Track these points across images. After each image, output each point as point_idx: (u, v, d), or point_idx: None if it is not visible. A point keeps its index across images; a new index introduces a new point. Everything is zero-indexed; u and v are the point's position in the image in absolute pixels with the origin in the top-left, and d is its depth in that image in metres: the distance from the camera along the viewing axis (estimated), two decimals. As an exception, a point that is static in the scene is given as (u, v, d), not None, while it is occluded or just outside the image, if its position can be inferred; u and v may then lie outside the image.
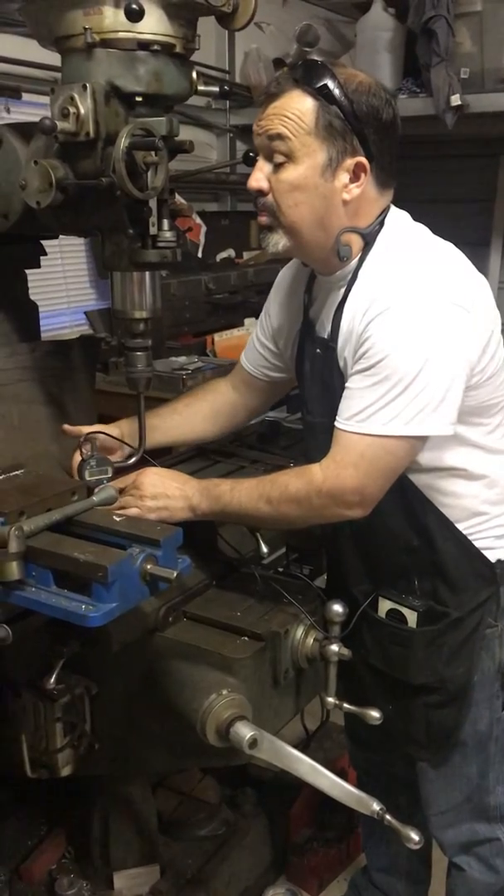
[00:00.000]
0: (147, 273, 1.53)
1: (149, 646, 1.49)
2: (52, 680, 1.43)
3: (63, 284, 3.22)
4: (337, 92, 1.37)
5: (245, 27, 1.45)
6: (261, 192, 1.46)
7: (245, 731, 1.34)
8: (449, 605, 1.53)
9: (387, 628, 1.56)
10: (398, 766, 1.78)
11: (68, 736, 1.56)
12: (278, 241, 1.48)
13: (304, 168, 1.40)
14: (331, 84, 1.37)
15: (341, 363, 1.48)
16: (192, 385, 2.74)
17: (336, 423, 1.41)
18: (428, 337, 1.34)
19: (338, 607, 1.47)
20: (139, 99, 1.40)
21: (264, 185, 1.45)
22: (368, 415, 1.36)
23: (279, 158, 1.42)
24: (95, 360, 1.95)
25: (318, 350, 1.56)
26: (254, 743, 1.34)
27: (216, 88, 1.53)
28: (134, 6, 1.29)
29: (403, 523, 1.51)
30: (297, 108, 1.39)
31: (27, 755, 1.57)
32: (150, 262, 1.48)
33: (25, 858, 1.92)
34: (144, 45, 1.37)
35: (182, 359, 2.95)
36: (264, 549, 1.72)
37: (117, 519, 1.30)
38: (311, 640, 1.50)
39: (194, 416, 1.82)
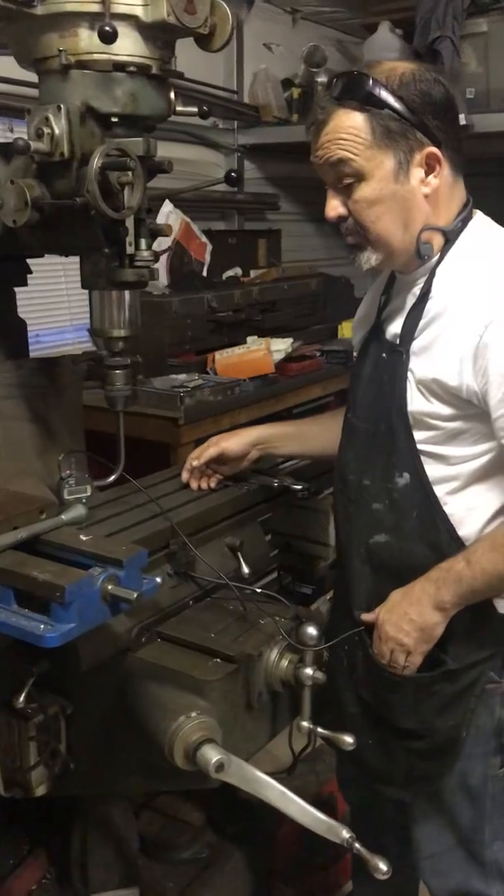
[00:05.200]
0: (126, 292, 1.53)
1: (121, 666, 1.47)
2: (22, 699, 1.42)
3: (66, 301, 3.25)
4: (383, 94, 1.34)
5: (222, 49, 1.45)
6: (341, 219, 1.44)
7: (212, 755, 1.32)
8: (448, 654, 1.45)
9: (376, 666, 1.49)
10: (387, 806, 1.72)
11: (42, 755, 1.55)
12: (370, 258, 1.45)
13: (377, 181, 1.38)
14: (374, 90, 1.34)
15: (412, 374, 1.42)
16: (189, 403, 2.74)
17: None
18: None
19: (312, 630, 1.45)
20: (115, 120, 1.41)
21: (342, 210, 1.43)
22: None
23: (348, 181, 1.40)
24: (83, 377, 1.95)
25: (383, 354, 1.51)
26: (220, 767, 1.32)
27: (195, 109, 1.52)
28: (107, 28, 1.30)
29: (426, 552, 1.44)
30: (349, 126, 1.36)
31: (0, 773, 1.55)
32: (127, 282, 1.48)
33: (6, 878, 1.90)
34: (120, 67, 1.37)
35: (182, 376, 2.96)
36: (245, 569, 1.71)
37: (84, 538, 1.29)
38: (285, 663, 1.48)
39: (336, 428, 1.66)
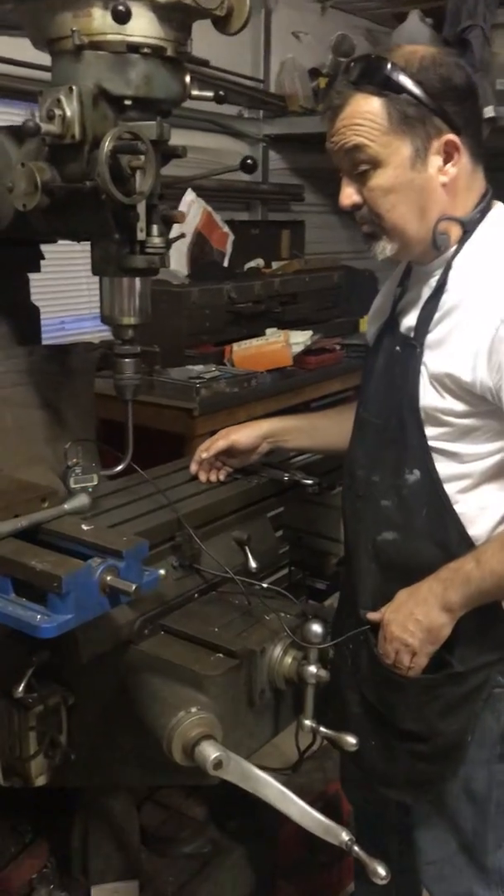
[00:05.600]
0: (137, 279, 1.50)
1: (122, 658, 1.46)
2: (21, 689, 1.40)
3: (86, 289, 3.23)
4: (401, 78, 1.30)
5: (240, 31, 1.42)
6: (355, 207, 1.40)
7: (210, 752, 1.30)
8: (454, 656, 1.41)
9: (381, 666, 1.46)
10: (390, 808, 1.69)
11: (42, 745, 1.54)
12: (384, 248, 1.41)
13: (392, 169, 1.34)
14: (392, 73, 1.30)
15: (425, 368, 1.38)
16: (205, 395, 2.72)
17: None
18: None
19: (316, 627, 1.42)
20: (129, 102, 1.38)
21: (357, 198, 1.39)
22: None
23: (362, 168, 1.36)
24: (95, 366, 1.93)
25: (397, 347, 1.47)
26: (219, 764, 1.30)
27: (210, 93, 1.49)
28: (120, 7, 1.27)
29: (434, 550, 1.41)
30: (366, 111, 1.32)
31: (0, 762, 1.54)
32: (137, 268, 1.46)
33: (6, 866, 1.90)
34: (134, 48, 1.34)
35: (199, 367, 2.93)
36: (253, 563, 1.68)
37: (85, 528, 1.27)
38: (289, 660, 1.46)
39: (348, 422, 1.61)
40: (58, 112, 1.34)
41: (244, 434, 1.74)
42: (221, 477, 1.78)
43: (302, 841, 2.15)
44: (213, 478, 1.77)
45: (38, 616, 1.13)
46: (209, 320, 3.14)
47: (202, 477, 1.77)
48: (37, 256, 1.80)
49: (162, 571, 1.39)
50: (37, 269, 1.82)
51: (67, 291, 3.28)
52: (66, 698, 1.53)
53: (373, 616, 1.45)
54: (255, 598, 1.55)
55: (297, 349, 3.15)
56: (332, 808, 2.21)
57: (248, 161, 1.60)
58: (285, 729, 1.58)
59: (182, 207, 3.33)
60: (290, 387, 3.13)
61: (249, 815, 2.10)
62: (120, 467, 1.61)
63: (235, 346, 3.08)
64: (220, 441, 1.73)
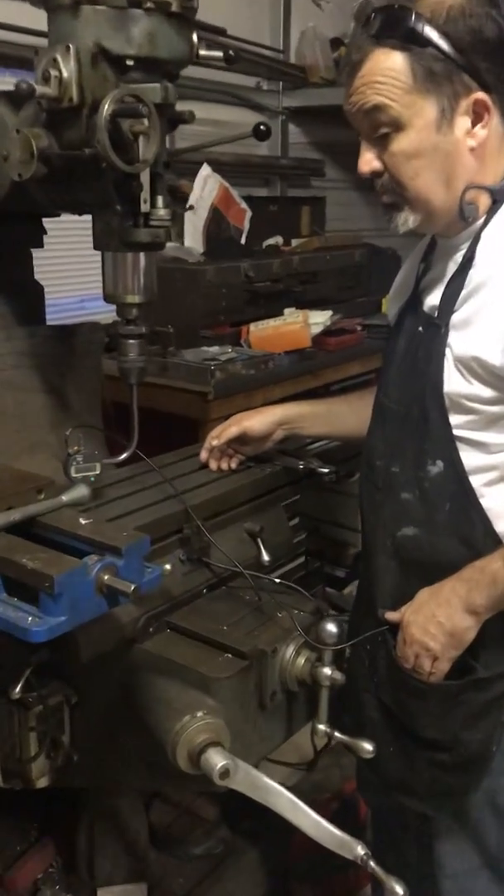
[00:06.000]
0: (141, 254, 1.41)
1: (126, 657, 1.38)
2: (18, 689, 1.33)
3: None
4: (427, 30, 1.17)
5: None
6: (375, 174, 1.29)
7: (217, 760, 1.22)
8: (478, 661, 1.32)
9: (400, 671, 1.36)
10: (409, 815, 1.59)
11: (43, 746, 1.47)
12: (407, 219, 1.30)
13: (416, 132, 1.22)
14: (417, 25, 1.18)
15: (450, 350, 1.28)
16: (220, 377, 2.62)
17: None
18: None
19: (331, 627, 1.33)
20: (131, 63, 1.28)
21: (376, 165, 1.28)
22: None
23: (383, 131, 1.24)
24: (101, 346, 1.84)
25: (420, 328, 1.36)
26: (225, 773, 1.22)
27: (219, 53, 1.39)
28: (120, -43, 1.17)
29: (458, 548, 1.31)
30: (387, 68, 1.20)
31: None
32: (141, 242, 1.36)
33: (11, 865, 1.84)
34: (136, 3, 1.24)
35: (214, 349, 2.83)
36: (265, 556, 1.59)
37: (83, 522, 1.19)
38: (302, 661, 1.37)
39: (368, 408, 1.49)
40: (54, 73, 1.25)
41: (257, 420, 1.64)
42: (233, 465, 1.69)
43: (316, 842, 2.08)
44: (224, 466, 1.68)
45: (29, 618, 1.05)
46: (225, 300, 3.03)
47: (213, 465, 1.68)
48: (39, 231, 1.71)
49: (167, 566, 1.31)
50: (39, 244, 1.73)
51: (87, 268, 3.17)
52: (69, 697, 1.46)
53: (392, 616, 1.36)
54: (267, 594, 1.46)
55: (317, 330, 3.04)
56: (348, 809, 2.14)
57: (262, 127, 1.50)
58: (298, 731, 1.50)
59: (197, 182, 3.22)
60: (309, 369, 3.02)
61: (262, 814, 2.03)
62: (124, 455, 1.53)
63: (252, 327, 2.98)
64: (232, 427, 1.64)
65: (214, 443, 1.65)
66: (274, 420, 1.65)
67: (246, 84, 3.74)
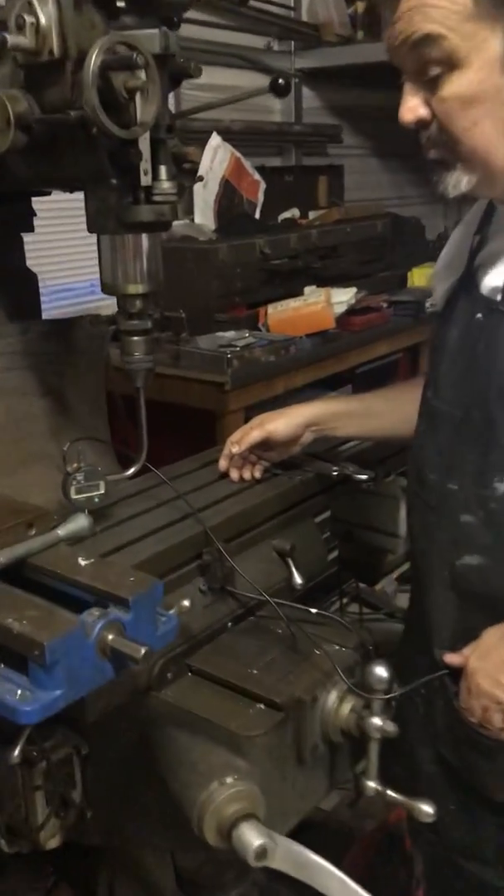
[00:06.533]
0: (144, 235, 1.20)
1: (142, 707, 1.19)
2: (17, 752, 1.14)
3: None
4: None
5: None
6: (422, 124, 1.07)
7: (251, 838, 1.03)
8: None
9: (464, 724, 1.16)
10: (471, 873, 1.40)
11: (52, 806, 1.29)
12: (459, 180, 1.07)
13: (475, 70, 0.99)
14: None
15: None
16: (238, 366, 2.41)
17: None
18: None
19: (381, 671, 1.13)
20: (122, 4, 1.07)
21: (423, 112, 1.05)
22: None
23: (434, 70, 1.01)
24: (104, 341, 1.63)
25: (478, 315, 1.15)
26: (263, 853, 1.03)
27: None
28: None
29: None
30: None
31: (3, 828, 1.30)
32: (143, 222, 1.15)
33: (25, 916, 1.67)
34: None
35: (230, 334, 2.62)
36: (298, 579, 1.40)
37: (83, 563, 0.99)
38: (346, 709, 1.17)
39: (409, 404, 1.31)
40: (29, 19, 1.03)
41: (283, 423, 1.43)
42: (257, 474, 1.48)
43: (362, 883, 1.90)
44: (246, 475, 1.47)
45: (18, 692, 0.85)
46: (240, 280, 2.82)
47: (234, 475, 1.47)
48: (27, 213, 1.50)
49: (185, 603, 1.12)
50: (28, 228, 1.52)
51: (89, 257, 2.98)
52: (79, 748, 1.27)
53: (452, 659, 1.15)
54: (302, 627, 1.26)
55: (340, 309, 2.82)
56: (394, 840, 1.95)
57: (280, 81, 1.28)
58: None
59: (206, 153, 2.99)
60: (333, 352, 2.81)
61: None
62: (132, 470, 1.33)
63: (270, 309, 2.76)
64: (254, 432, 1.43)
65: (234, 449, 1.44)
66: (301, 421, 1.44)
67: (255, 45, 3.49)
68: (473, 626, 1.14)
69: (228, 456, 1.46)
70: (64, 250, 2.98)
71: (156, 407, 2.61)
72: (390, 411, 1.45)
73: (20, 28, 1.03)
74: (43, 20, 1.03)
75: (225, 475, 1.49)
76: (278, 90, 1.26)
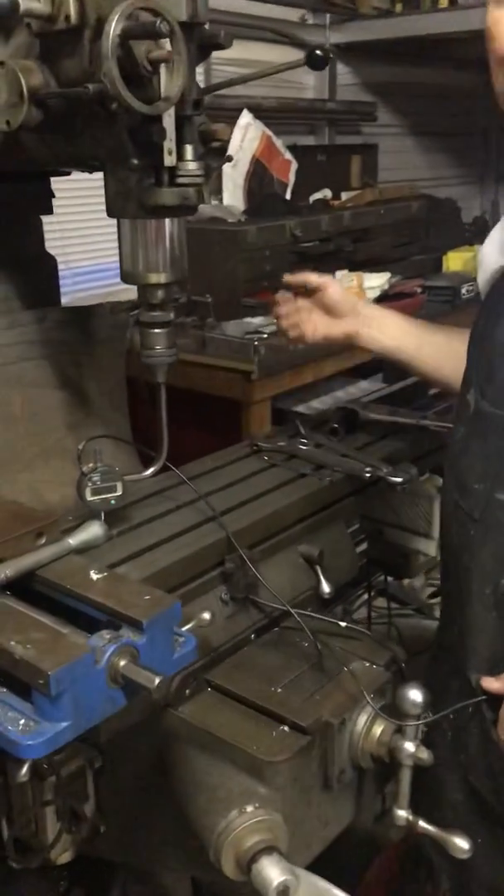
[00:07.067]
0: (167, 220, 1.11)
1: (159, 723, 1.12)
2: (25, 770, 1.07)
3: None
4: None
5: None
6: None
7: (272, 874, 0.96)
8: None
9: (502, 757, 1.08)
10: None
11: (62, 820, 1.23)
12: None
13: None
14: None
15: None
16: (266, 354, 2.32)
17: None
18: None
19: (415, 695, 1.05)
20: (146, -35, 0.97)
21: None
22: None
23: None
24: (125, 330, 1.55)
25: None
26: (284, 891, 0.96)
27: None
28: None
29: None
30: None
31: (12, 842, 1.24)
32: (166, 206, 1.06)
33: (38, 923, 1.62)
34: None
35: (257, 319, 2.53)
36: (326, 587, 1.32)
37: (95, 577, 0.92)
38: (377, 733, 1.09)
39: (463, 347, 1.21)
40: (44, -18, 0.94)
41: (339, 289, 1.44)
42: (313, 335, 1.45)
43: (387, 891, 1.83)
44: (297, 333, 1.47)
45: (21, 722, 0.78)
46: (270, 263, 2.72)
47: (291, 332, 1.48)
48: (46, 194, 1.42)
49: (206, 615, 1.05)
50: (46, 210, 1.44)
51: (111, 238, 2.89)
52: (93, 760, 1.21)
53: (491, 685, 1.06)
54: (329, 641, 1.18)
55: (373, 294, 2.71)
56: (420, 852, 1.87)
57: (318, 52, 1.18)
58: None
59: (237, 131, 2.89)
60: (365, 339, 2.70)
61: (325, 865, 1.79)
62: (151, 470, 1.25)
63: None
64: (313, 277, 1.43)
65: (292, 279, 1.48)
66: (354, 303, 1.45)
67: (288, 18, 3.36)
68: None
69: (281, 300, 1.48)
70: (93, 230, 2.89)
71: (179, 395, 2.51)
72: (442, 346, 1.39)
73: (34, -8, 0.94)
74: (59, -17, 0.94)
75: (252, 474, 1.41)
76: (315, 62, 1.16)
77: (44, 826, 1.22)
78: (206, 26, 1.06)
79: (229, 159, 1.14)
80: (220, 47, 1.10)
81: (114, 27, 0.91)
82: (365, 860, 1.82)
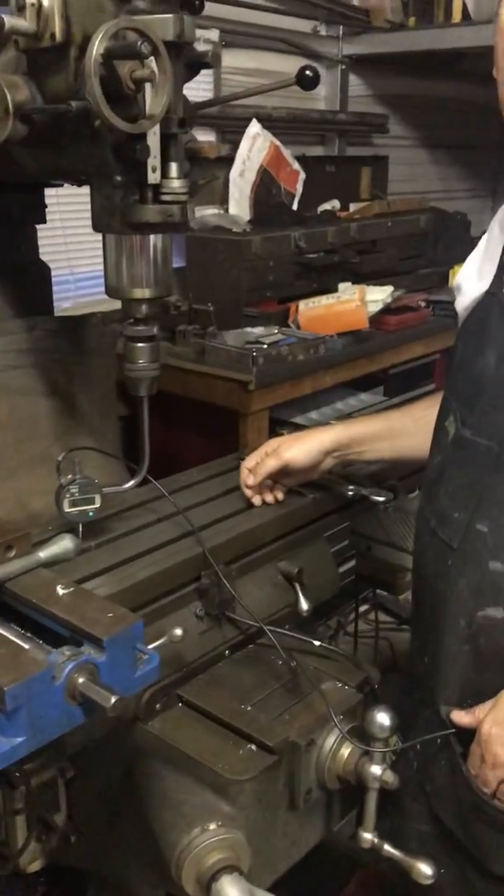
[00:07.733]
0: (152, 236, 1.12)
1: (128, 737, 1.12)
2: (-8, 782, 1.08)
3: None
4: None
5: None
6: None
7: (230, 893, 0.96)
8: None
9: (472, 791, 1.06)
10: None
11: (33, 830, 1.23)
12: None
13: None
14: None
15: None
16: (264, 365, 2.32)
17: None
18: None
19: (383, 718, 1.05)
20: (134, -15, 0.99)
21: None
22: None
23: None
24: (114, 340, 1.56)
25: None
26: (242, 912, 0.96)
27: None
28: None
29: None
30: None
31: (-19, 849, 1.24)
32: (149, 223, 1.07)
33: (12, 928, 1.62)
34: None
35: (258, 329, 2.53)
36: (304, 604, 1.32)
37: (61, 592, 0.92)
38: (345, 755, 1.09)
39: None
40: (30, 1, 0.95)
41: (301, 450, 1.33)
42: (279, 496, 1.38)
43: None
44: (269, 499, 1.37)
45: (-22, 736, 0.78)
46: (273, 273, 2.72)
47: (256, 501, 1.37)
48: (39, 205, 1.43)
49: (178, 632, 1.05)
50: (40, 219, 1.45)
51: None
52: (64, 770, 1.21)
53: (461, 719, 1.05)
54: (304, 660, 1.18)
55: (375, 308, 2.71)
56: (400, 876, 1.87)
57: (307, 73, 1.18)
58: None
59: (244, 142, 2.89)
60: (365, 352, 2.70)
61: (303, 879, 1.78)
62: (131, 483, 1.26)
63: (302, 306, 2.66)
64: (270, 461, 1.33)
65: (249, 481, 1.34)
66: (321, 448, 1.34)
67: (301, 29, 3.36)
68: (489, 687, 1.04)
69: (245, 485, 1.37)
70: (96, 235, 2.90)
71: (179, 402, 2.51)
72: (418, 430, 1.32)
73: (21, 9, 0.95)
74: (45, 1, 0.95)
75: (233, 489, 1.41)
76: (304, 82, 1.16)
77: (14, 834, 1.22)
78: (194, 44, 1.07)
79: (214, 178, 1.15)
80: (208, 66, 1.11)
81: (96, 47, 0.92)
82: (343, 877, 1.81)
